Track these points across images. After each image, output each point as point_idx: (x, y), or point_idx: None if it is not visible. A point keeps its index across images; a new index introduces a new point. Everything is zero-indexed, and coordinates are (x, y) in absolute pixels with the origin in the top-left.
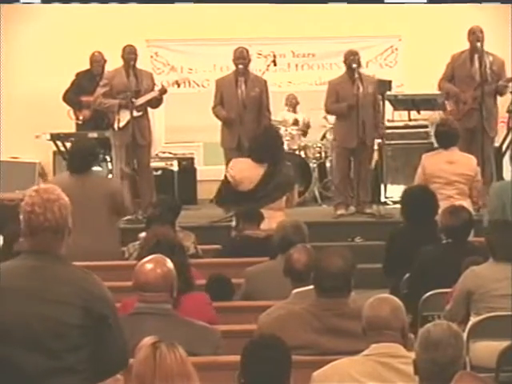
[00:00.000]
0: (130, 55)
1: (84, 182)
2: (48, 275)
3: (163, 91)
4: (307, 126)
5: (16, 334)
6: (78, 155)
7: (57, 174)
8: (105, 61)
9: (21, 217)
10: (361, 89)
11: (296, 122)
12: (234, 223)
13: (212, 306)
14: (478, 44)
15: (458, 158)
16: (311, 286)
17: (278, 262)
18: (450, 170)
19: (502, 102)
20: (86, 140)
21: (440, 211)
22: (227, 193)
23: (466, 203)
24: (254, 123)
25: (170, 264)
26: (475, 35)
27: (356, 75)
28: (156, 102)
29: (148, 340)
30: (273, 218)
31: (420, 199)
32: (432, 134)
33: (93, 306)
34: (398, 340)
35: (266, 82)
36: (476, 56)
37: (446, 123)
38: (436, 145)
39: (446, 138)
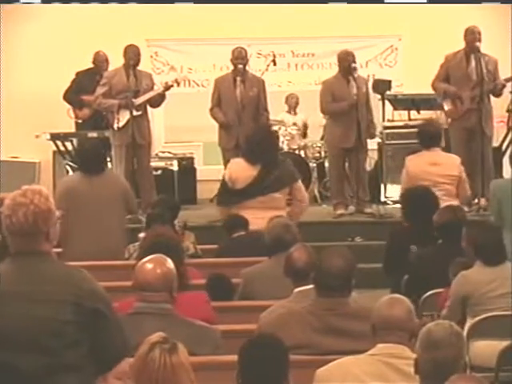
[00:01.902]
0: (133, 56)
1: (98, 182)
2: (35, 275)
3: (168, 87)
4: (305, 127)
5: (13, 336)
6: (92, 156)
7: (65, 176)
8: (108, 61)
9: None
10: (356, 89)
11: (294, 125)
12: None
13: (210, 304)
14: (478, 44)
15: (442, 159)
16: (312, 285)
17: (273, 262)
18: (435, 172)
19: (501, 102)
20: (94, 140)
21: None
22: (225, 193)
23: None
24: (251, 123)
25: (169, 264)
26: (473, 35)
27: (356, 75)
28: (159, 99)
29: (151, 338)
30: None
31: (421, 199)
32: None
33: (84, 301)
34: (405, 342)
35: (263, 81)
36: (472, 56)
37: (429, 124)
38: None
39: (429, 138)
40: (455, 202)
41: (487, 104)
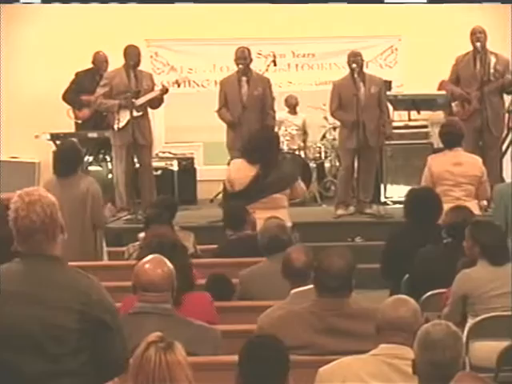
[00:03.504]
0: (133, 57)
1: (68, 185)
2: (44, 279)
3: (164, 91)
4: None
5: (15, 338)
6: (62, 159)
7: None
8: (107, 61)
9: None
10: (362, 90)
11: (295, 125)
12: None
13: (214, 306)
14: (478, 44)
15: (465, 159)
16: (309, 286)
17: (270, 263)
18: (457, 172)
19: None
20: (70, 143)
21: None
22: (226, 195)
23: (474, 204)
24: (257, 123)
25: (169, 264)
26: (475, 36)
27: (356, 75)
28: (157, 102)
29: (147, 338)
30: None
31: (424, 201)
32: (432, 134)
33: (90, 311)
34: (409, 343)
35: (269, 80)
36: (478, 56)
37: (451, 124)
38: (436, 145)
39: (451, 138)
40: (474, 203)
41: (496, 104)
